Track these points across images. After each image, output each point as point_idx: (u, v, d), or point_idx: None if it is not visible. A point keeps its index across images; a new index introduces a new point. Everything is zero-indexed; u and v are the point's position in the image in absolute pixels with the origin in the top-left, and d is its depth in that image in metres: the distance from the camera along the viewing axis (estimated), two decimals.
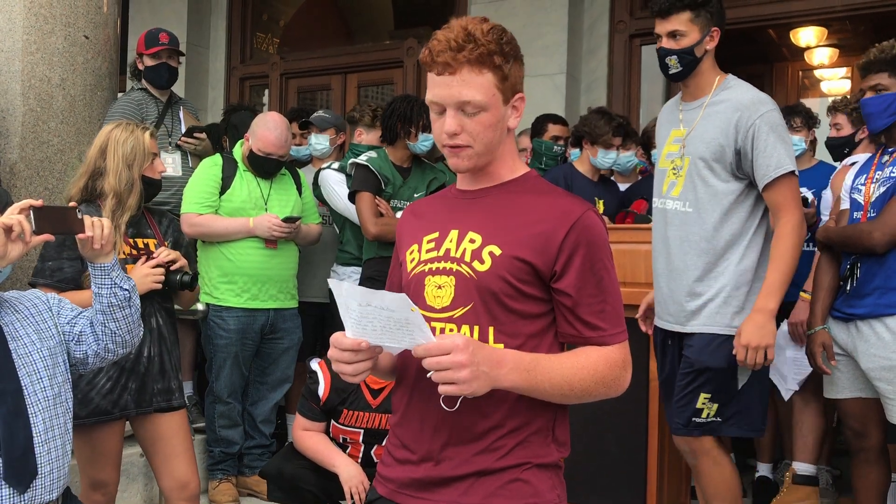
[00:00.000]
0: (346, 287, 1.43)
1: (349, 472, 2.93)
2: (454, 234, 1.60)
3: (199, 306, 3.79)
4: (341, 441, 3.07)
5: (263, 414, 4.05)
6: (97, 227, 2.08)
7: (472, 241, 1.57)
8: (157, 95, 4.23)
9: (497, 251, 1.54)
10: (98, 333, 2.17)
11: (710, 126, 2.70)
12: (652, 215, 2.92)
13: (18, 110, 3.62)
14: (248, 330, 3.85)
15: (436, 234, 1.63)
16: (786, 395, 3.20)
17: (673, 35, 2.71)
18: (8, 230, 1.92)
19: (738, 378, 2.66)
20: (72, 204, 2.10)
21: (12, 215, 1.93)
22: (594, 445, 3.34)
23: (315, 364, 3.10)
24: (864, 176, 3.06)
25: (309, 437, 3.06)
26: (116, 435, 2.78)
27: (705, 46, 2.71)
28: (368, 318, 1.43)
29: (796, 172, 2.66)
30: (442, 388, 1.40)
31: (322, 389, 3.02)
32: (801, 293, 3.47)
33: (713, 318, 2.68)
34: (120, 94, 4.27)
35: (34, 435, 1.99)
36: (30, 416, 1.99)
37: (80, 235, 2.07)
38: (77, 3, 3.77)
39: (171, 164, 4.09)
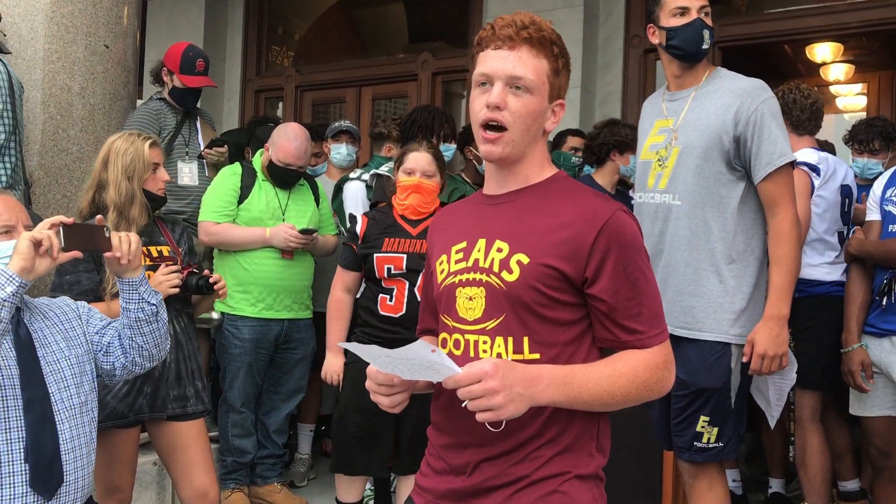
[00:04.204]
0: (362, 346, 1.42)
1: (330, 363, 3.24)
2: (482, 243, 1.56)
3: (214, 315, 3.80)
4: (386, 274, 3.09)
5: (276, 424, 4.04)
6: (124, 243, 2.08)
7: (499, 249, 1.53)
8: (176, 105, 4.25)
9: (525, 259, 1.50)
10: (126, 347, 2.17)
11: (703, 114, 2.59)
12: (635, 212, 2.74)
13: (38, 118, 3.64)
14: (262, 340, 3.85)
15: (464, 244, 1.59)
16: (772, 423, 3.13)
17: (706, 11, 2.62)
18: (37, 244, 1.92)
19: (731, 395, 2.57)
20: (99, 221, 2.10)
21: (42, 230, 1.94)
22: (610, 459, 3.30)
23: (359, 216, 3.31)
24: None
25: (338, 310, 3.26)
26: (132, 441, 2.78)
27: None
28: (394, 365, 1.43)
29: (795, 163, 2.58)
30: (480, 417, 1.36)
31: (359, 227, 3.19)
32: None
33: (709, 325, 2.54)
34: (139, 102, 4.29)
35: (61, 442, 1.99)
36: (57, 423, 2.00)
37: (108, 254, 2.07)
38: (98, 13, 3.80)
39: (187, 173, 4.10)
